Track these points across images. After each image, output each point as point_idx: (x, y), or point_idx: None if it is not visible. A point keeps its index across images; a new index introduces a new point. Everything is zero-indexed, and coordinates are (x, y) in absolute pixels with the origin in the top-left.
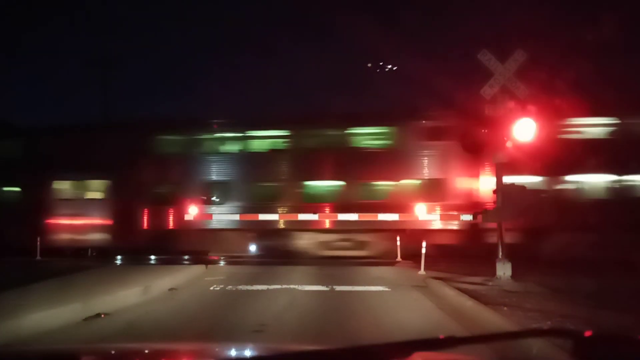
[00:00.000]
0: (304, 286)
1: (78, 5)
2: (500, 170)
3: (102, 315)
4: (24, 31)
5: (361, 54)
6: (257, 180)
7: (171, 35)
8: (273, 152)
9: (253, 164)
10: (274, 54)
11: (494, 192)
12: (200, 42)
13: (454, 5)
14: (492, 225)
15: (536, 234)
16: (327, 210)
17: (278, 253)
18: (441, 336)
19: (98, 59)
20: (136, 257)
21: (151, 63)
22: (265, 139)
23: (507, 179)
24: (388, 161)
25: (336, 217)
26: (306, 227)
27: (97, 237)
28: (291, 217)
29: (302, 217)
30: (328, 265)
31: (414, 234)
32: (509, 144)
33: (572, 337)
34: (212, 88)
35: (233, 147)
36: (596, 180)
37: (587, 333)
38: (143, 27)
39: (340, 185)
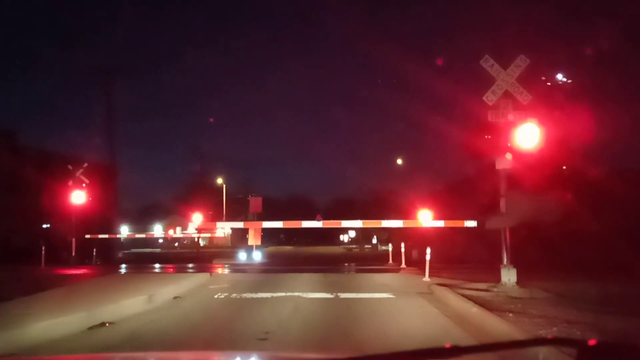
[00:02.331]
0: (308, 294)
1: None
2: (504, 176)
3: (107, 324)
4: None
5: None
6: None
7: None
8: None
9: None
10: None
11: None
12: None
13: None
14: None
15: None
16: None
17: None
18: (447, 345)
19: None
20: (140, 266)
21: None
22: None
23: None
24: None
25: None
26: None
27: None
28: None
29: None
30: (332, 272)
31: None
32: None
33: (577, 346)
34: None
35: None
36: None
37: (592, 342)
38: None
39: None
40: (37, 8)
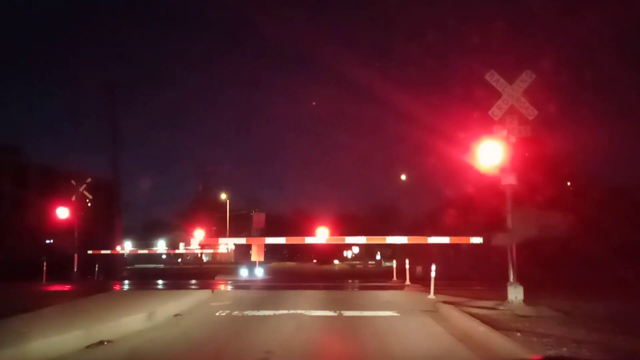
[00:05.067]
0: (311, 311)
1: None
2: (510, 193)
3: (105, 343)
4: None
5: None
6: None
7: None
8: None
9: None
10: None
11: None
12: None
13: None
14: None
15: None
16: None
17: None
18: None
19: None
20: (142, 282)
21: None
22: None
23: None
24: None
25: None
26: None
27: None
28: None
29: None
30: (336, 289)
31: None
32: None
33: None
34: None
35: None
36: None
37: None
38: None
39: None
40: (41, 24)
